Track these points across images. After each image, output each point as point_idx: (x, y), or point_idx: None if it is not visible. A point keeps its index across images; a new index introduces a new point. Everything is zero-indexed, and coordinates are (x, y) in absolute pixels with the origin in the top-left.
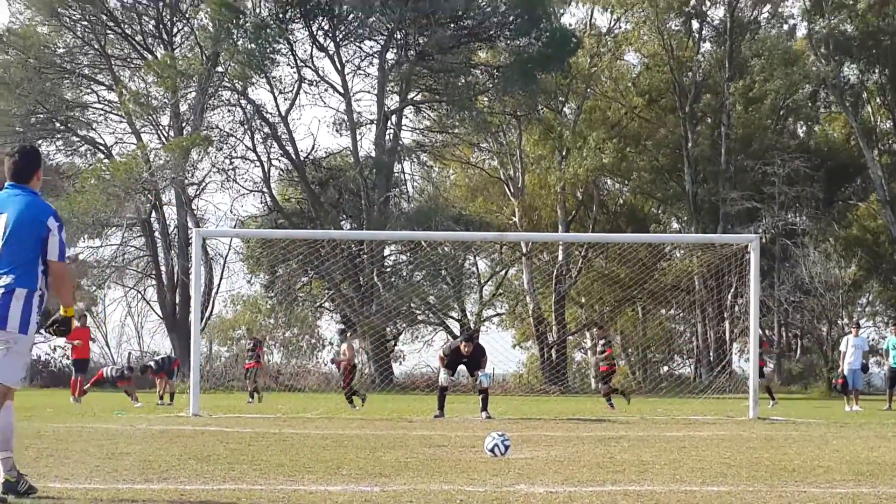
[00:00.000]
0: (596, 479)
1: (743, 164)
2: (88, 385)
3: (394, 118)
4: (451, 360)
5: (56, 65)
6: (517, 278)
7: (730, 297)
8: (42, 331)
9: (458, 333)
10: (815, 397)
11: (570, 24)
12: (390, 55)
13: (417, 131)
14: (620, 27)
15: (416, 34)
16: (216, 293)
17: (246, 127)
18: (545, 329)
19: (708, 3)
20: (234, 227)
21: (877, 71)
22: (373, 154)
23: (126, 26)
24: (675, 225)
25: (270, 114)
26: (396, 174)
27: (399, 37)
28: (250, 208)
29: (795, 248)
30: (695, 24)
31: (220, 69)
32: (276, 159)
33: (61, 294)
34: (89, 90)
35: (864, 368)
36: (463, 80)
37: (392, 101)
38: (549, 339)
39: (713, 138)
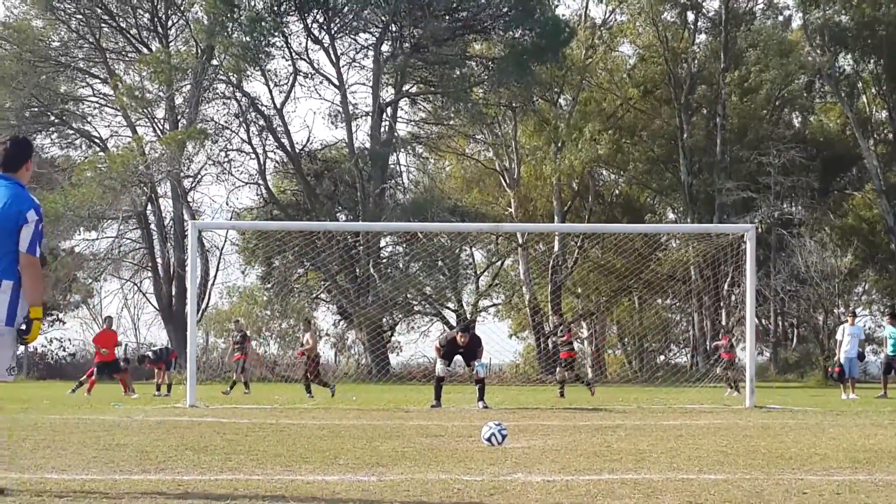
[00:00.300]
0: (593, 467)
1: (738, 154)
2: (85, 377)
3: (389, 110)
4: (448, 350)
5: (51, 58)
6: (513, 269)
7: (726, 286)
8: None
9: (454, 324)
10: (812, 386)
11: (565, 16)
12: (385, 47)
13: (413, 123)
14: (616, 19)
15: (411, 26)
16: (212, 285)
17: (241, 119)
18: (541, 319)
19: None
20: (230, 220)
21: (872, 61)
22: (368, 146)
23: (121, 19)
24: (671, 215)
25: (266, 106)
26: (392, 166)
27: (394, 29)
28: (246, 200)
29: (791, 238)
30: (690, 16)
31: (215, 62)
32: (272, 151)
33: (26, 289)
34: (84, 83)
35: (861, 357)
36: (458, 72)
37: (387, 93)
38: (545, 329)
39: (708, 129)
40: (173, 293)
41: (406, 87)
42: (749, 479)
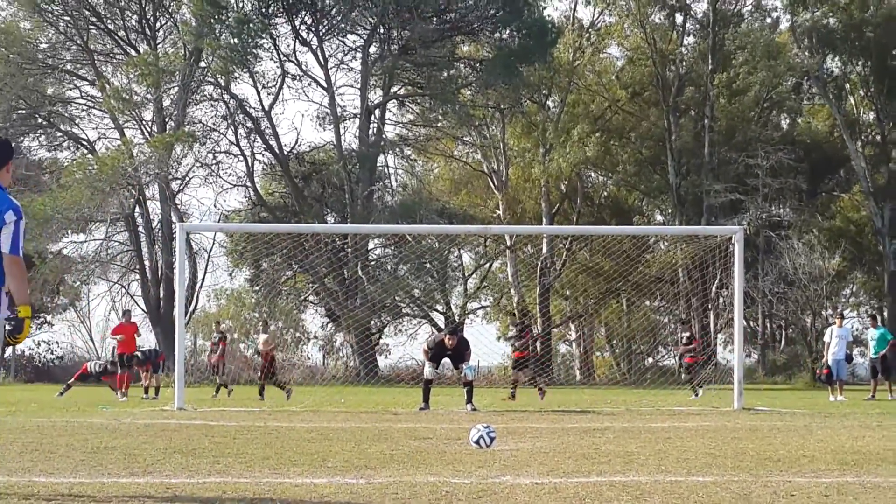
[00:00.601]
0: (581, 470)
1: (726, 156)
2: (73, 379)
3: (377, 112)
4: (436, 353)
5: (38, 60)
6: (502, 271)
7: (714, 288)
8: None
9: (442, 326)
10: (800, 388)
11: (552, 17)
12: (373, 49)
13: (401, 125)
14: (604, 20)
15: (399, 28)
16: (200, 287)
17: (229, 122)
18: (530, 322)
19: None
20: (218, 222)
21: (860, 63)
22: (356, 148)
23: (109, 21)
24: (659, 217)
25: (254, 108)
26: (380, 168)
27: (382, 31)
28: (234, 203)
29: (779, 240)
30: (678, 18)
31: (202, 64)
32: (260, 154)
33: (13, 289)
34: (72, 85)
35: (849, 359)
36: (446, 74)
37: (375, 95)
38: (533, 332)
39: (696, 131)
40: (161, 296)
41: (394, 89)
42: (737, 481)
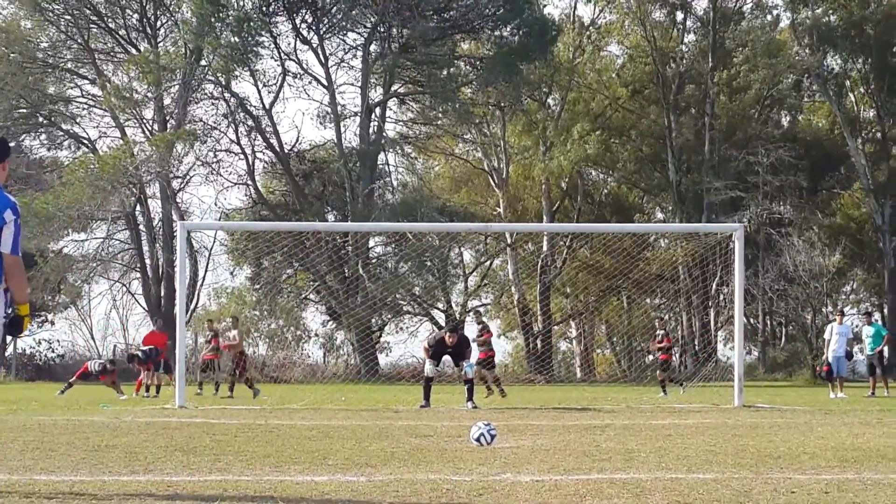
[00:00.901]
0: (582, 467)
1: (727, 153)
2: (74, 378)
3: (378, 110)
4: (436, 350)
5: (39, 59)
6: (502, 269)
7: (714, 285)
8: None
9: (443, 324)
10: (800, 385)
11: (552, 15)
12: (374, 47)
13: (401, 123)
14: (604, 17)
15: (400, 26)
16: (201, 285)
17: (230, 120)
18: (530, 319)
19: None
20: (219, 220)
21: (860, 60)
22: (357, 146)
23: (109, 20)
24: (660, 214)
25: (254, 107)
26: (381, 166)
27: (382, 29)
28: (235, 201)
29: (780, 237)
30: (678, 15)
31: (203, 63)
32: (261, 152)
33: (13, 289)
34: (73, 84)
35: (849, 356)
36: (446, 72)
37: (376, 94)
38: (534, 329)
39: (697, 128)
40: (162, 294)
41: (394, 87)
42: (738, 478)
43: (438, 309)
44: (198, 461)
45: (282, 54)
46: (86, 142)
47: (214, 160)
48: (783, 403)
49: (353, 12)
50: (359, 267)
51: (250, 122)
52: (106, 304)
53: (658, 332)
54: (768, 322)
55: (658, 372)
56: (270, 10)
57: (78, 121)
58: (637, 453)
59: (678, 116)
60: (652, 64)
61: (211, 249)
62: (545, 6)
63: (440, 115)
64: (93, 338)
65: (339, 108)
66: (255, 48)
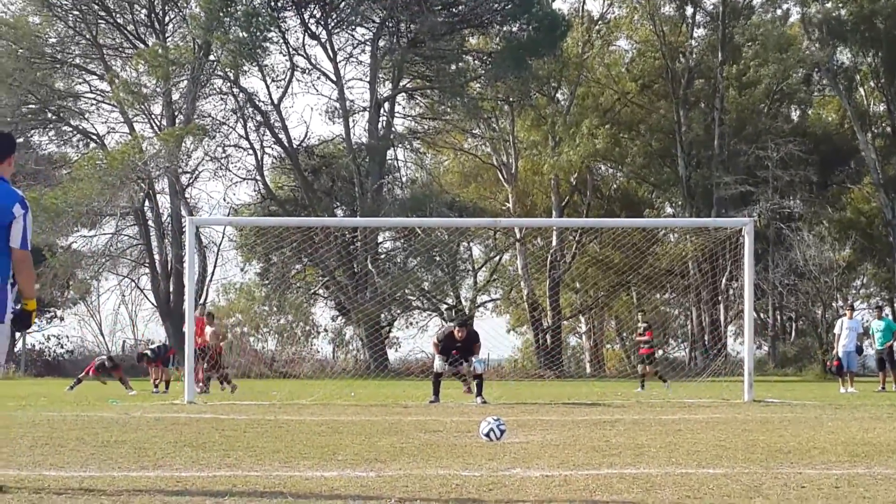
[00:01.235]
0: (592, 462)
1: (736, 148)
2: (84, 374)
3: (386, 105)
4: (446, 345)
5: (47, 55)
6: (511, 264)
7: (724, 280)
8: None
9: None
10: (810, 379)
11: (562, 10)
12: (382, 42)
13: (410, 118)
14: (613, 12)
15: (408, 21)
16: (210, 281)
17: (238, 115)
18: (540, 314)
19: None
20: (228, 216)
21: (870, 54)
22: (365, 141)
23: (118, 16)
24: (669, 209)
25: (263, 102)
26: (389, 161)
27: (391, 24)
28: (243, 196)
29: (790, 232)
30: (688, 10)
31: (212, 58)
32: (269, 147)
33: (22, 284)
34: (81, 80)
35: (859, 350)
36: (455, 67)
37: (384, 89)
38: (543, 324)
39: (706, 123)
40: (171, 289)
41: (403, 83)
42: (748, 473)
43: (447, 304)
44: (207, 457)
45: (290, 49)
46: (94, 137)
47: (223, 155)
48: (793, 398)
49: (362, 7)
50: (368, 262)
51: (259, 118)
52: (115, 299)
53: (640, 325)
54: (778, 317)
55: (640, 366)
56: (279, 4)
57: (86, 116)
58: (647, 448)
59: (688, 111)
60: (661, 58)
61: (220, 245)
62: (554, 0)
63: (449, 110)
64: (102, 333)
65: (347, 103)
66: (263, 43)
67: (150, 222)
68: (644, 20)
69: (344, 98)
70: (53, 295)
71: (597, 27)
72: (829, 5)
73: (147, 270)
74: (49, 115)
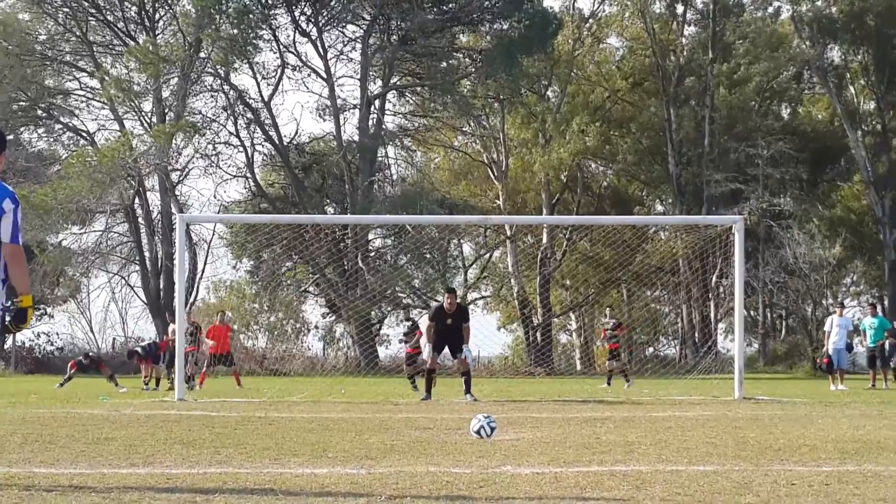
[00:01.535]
0: (582, 459)
1: (727, 146)
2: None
3: (377, 103)
4: (437, 330)
5: (37, 52)
6: (502, 261)
7: (714, 278)
8: None
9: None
10: (801, 377)
11: (553, 8)
12: (373, 40)
13: (401, 115)
14: (604, 10)
15: (399, 18)
16: (200, 278)
17: (229, 112)
18: (530, 311)
19: None
20: (218, 213)
21: (861, 51)
22: (356, 139)
23: (108, 13)
24: (660, 207)
25: (253, 99)
26: (380, 158)
27: (381, 21)
28: (234, 194)
29: (780, 230)
30: (678, 7)
31: (202, 55)
32: (260, 144)
33: (14, 279)
34: (71, 77)
35: (849, 348)
36: (445, 64)
37: (375, 86)
38: (534, 322)
39: (697, 121)
40: (161, 287)
41: (394, 80)
42: (738, 470)
43: (437, 301)
44: (197, 454)
45: (281, 47)
46: (84, 134)
47: (213, 153)
48: (783, 395)
49: (352, 4)
50: (358, 259)
51: (249, 115)
52: (105, 296)
53: (608, 320)
54: (768, 314)
55: (607, 361)
56: (270, 2)
57: (76, 113)
58: (637, 445)
59: (678, 109)
60: (652, 56)
61: (210, 242)
62: None
63: (440, 107)
64: (92, 331)
65: (338, 100)
66: (254, 41)
67: (140, 219)
68: (634, 18)
69: (334, 95)
70: (43, 292)
71: (587, 25)
72: (819, 3)
73: (137, 268)
74: (39, 112)
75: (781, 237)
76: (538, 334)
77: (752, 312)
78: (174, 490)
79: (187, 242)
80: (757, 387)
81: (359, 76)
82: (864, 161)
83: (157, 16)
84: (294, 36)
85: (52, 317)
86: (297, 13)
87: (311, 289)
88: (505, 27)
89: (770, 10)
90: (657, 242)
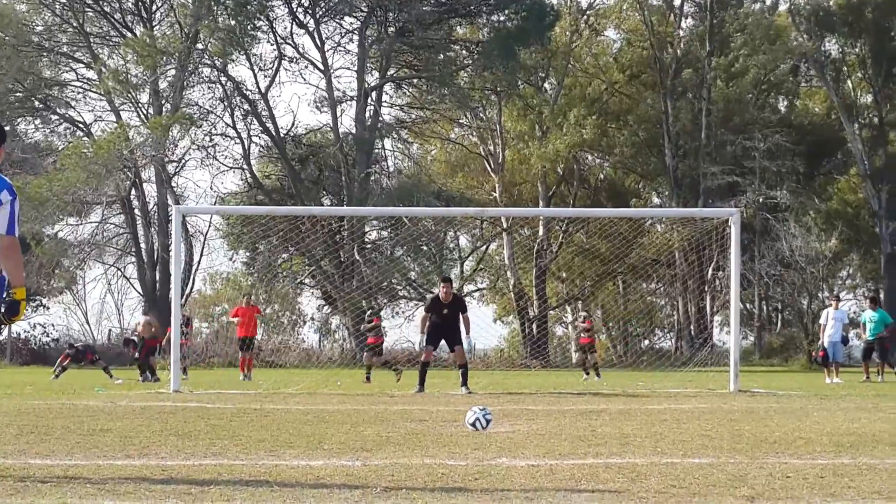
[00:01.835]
0: (577, 452)
1: (723, 138)
2: (67, 362)
3: (374, 94)
4: (434, 321)
5: (34, 43)
6: (498, 253)
7: (710, 270)
8: None
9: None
10: (796, 370)
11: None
12: (370, 31)
13: (397, 107)
14: (602, 2)
15: (396, 10)
16: (196, 270)
17: (226, 104)
18: (526, 304)
19: None
20: (215, 204)
21: (858, 44)
22: (353, 131)
23: (105, 4)
24: (656, 199)
25: (250, 91)
26: (377, 150)
27: (379, 13)
28: (230, 185)
29: (776, 222)
30: (676, 0)
31: (199, 46)
32: (257, 136)
33: (9, 271)
34: (68, 68)
35: (845, 341)
36: (443, 56)
37: (372, 78)
38: (530, 314)
39: (694, 113)
40: (157, 278)
41: (391, 72)
42: (733, 462)
43: (434, 293)
44: (193, 445)
45: (278, 38)
46: (81, 126)
47: (210, 144)
48: (779, 388)
49: None
50: (354, 251)
51: (246, 107)
52: (101, 288)
53: (580, 314)
54: (764, 307)
55: (578, 354)
56: None
57: (73, 105)
58: (633, 438)
59: (675, 101)
60: (649, 48)
61: (206, 234)
62: None
63: (437, 99)
64: (88, 322)
65: (335, 92)
66: (251, 32)
67: (136, 211)
68: (632, 10)
69: (331, 87)
70: (39, 283)
71: (585, 17)
72: None
73: (133, 259)
74: (36, 103)
75: (778, 230)
76: (534, 326)
77: (747, 305)
78: (169, 481)
79: (183, 234)
80: (752, 379)
81: (356, 68)
82: (861, 154)
83: (154, 7)
84: (291, 27)
85: (48, 308)
86: (294, 4)
87: (307, 281)
88: (502, 18)
89: (768, 2)
90: (653, 235)
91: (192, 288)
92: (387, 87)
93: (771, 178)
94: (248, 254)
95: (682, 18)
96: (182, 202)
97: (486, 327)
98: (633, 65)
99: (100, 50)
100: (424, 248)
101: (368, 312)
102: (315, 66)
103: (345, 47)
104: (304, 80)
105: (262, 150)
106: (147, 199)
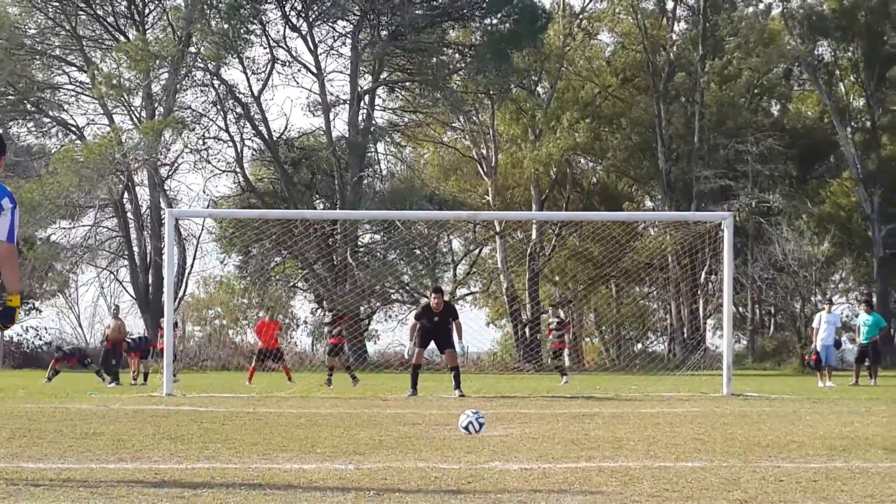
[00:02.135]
0: (570, 455)
1: (716, 142)
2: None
3: (367, 98)
4: (423, 327)
5: (26, 46)
6: (491, 257)
7: (703, 274)
8: None
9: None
10: (789, 374)
11: (543, 2)
12: (363, 35)
13: (390, 111)
14: (595, 6)
15: (389, 13)
16: (189, 273)
17: (219, 107)
18: (519, 307)
19: None
20: (207, 208)
21: (851, 48)
22: (346, 134)
23: (97, 7)
24: (649, 203)
25: (243, 94)
26: (370, 154)
27: (371, 16)
28: (223, 188)
29: (769, 226)
30: (669, 3)
31: (192, 50)
32: (249, 139)
33: (6, 278)
34: (60, 71)
35: (837, 344)
36: (435, 60)
37: (365, 81)
38: (522, 318)
39: (687, 117)
40: (150, 282)
41: (384, 75)
42: (726, 466)
43: (427, 297)
44: (185, 449)
45: (271, 41)
46: (73, 129)
47: (203, 148)
48: (772, 392)
49: (343, 0)
50: (347, 255)
51: (239, 110)
52: (93, 291)
53: (553, 318)
54: (757, 311)
55: (553, 360)
56: None
57: (66, 108)
58: (625, 441)
59: (668, 105)
60: (642, 52)
61: (199, 237)
62: None
63: (430, 102)
64: (80, 326)
65: (328, 96)
66: (244, 35)
67: (129, 214)
68: (626, 13)
69: (324, 91)
70: (32, 287)
71: (578, 20)
72: (811, 0)
73: (126, 262)
74: (28, 106)
75: (770, 234)
76: (527, 330)
77: (740, 309)
78: (162, 485)
79: (176, 237)
80: (745, 383)
81: (349, 71)
82: (854, 158)
83: (146, 10)
84: (284, 31)
85: (41, 311)
86: (287, 8)
87: (300, 284)
88: (494, 22)
89: (761, 6)
90: (646, 239)
91: (184, 291)
92: (379, 91)
93: (764, 181)
94: (240, 257)
95: (676, 22)
96: (175, 205)
97: (478, 331)
98: (626, 68)
99: (92, 53)
100: (417, 251)
101: (332, 314)
102: (308, 70)
103: (338, 51)
104: (297, 83)
105: (254, 153)
106: (140, 203)
